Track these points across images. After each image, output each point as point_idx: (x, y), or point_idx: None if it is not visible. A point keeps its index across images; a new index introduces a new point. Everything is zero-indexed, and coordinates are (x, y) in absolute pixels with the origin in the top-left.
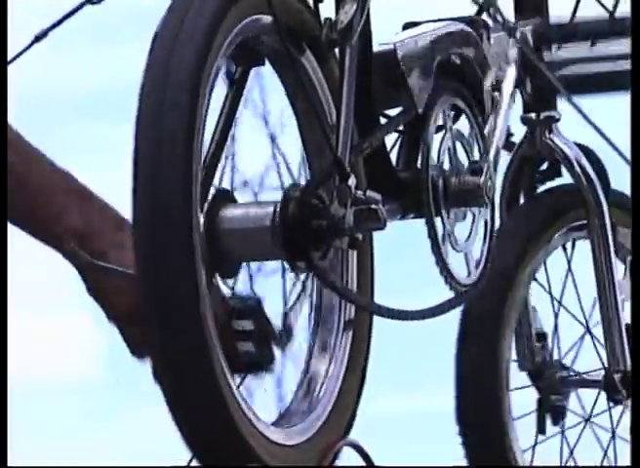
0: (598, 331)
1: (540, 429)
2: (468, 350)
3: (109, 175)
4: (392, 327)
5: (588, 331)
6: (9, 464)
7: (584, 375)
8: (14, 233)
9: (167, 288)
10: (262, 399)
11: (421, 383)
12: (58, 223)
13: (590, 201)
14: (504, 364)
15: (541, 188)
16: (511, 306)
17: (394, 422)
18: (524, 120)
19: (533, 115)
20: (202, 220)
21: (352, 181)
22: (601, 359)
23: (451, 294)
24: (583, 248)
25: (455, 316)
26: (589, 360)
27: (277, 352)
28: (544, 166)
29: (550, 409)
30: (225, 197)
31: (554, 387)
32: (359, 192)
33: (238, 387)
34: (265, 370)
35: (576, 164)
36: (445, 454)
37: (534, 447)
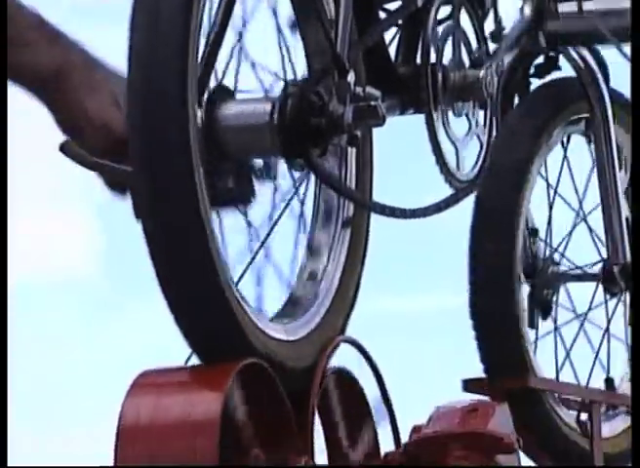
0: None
1: (530, 324)
2: (484, 244)
3: None
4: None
5: (585, 220)
6: (9, 464)
7: (582, 269)
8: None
9: (164, 181)
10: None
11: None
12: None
13: (594, 94)
14: (518, 257)
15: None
16: (524, 201)
17: (401, 319)
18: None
19: None
20: (200, 116)
21: (351, 77)
22: (599, 251)
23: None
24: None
25: (460, 212)
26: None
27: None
28: (541, 60)
29: (540, 304)
30: (224, 93)
31: (547, 282)
32: (358, 88)
33: (237, 283)
34: (245, 203)
35: (578, 57)
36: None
37: (535, 340)
